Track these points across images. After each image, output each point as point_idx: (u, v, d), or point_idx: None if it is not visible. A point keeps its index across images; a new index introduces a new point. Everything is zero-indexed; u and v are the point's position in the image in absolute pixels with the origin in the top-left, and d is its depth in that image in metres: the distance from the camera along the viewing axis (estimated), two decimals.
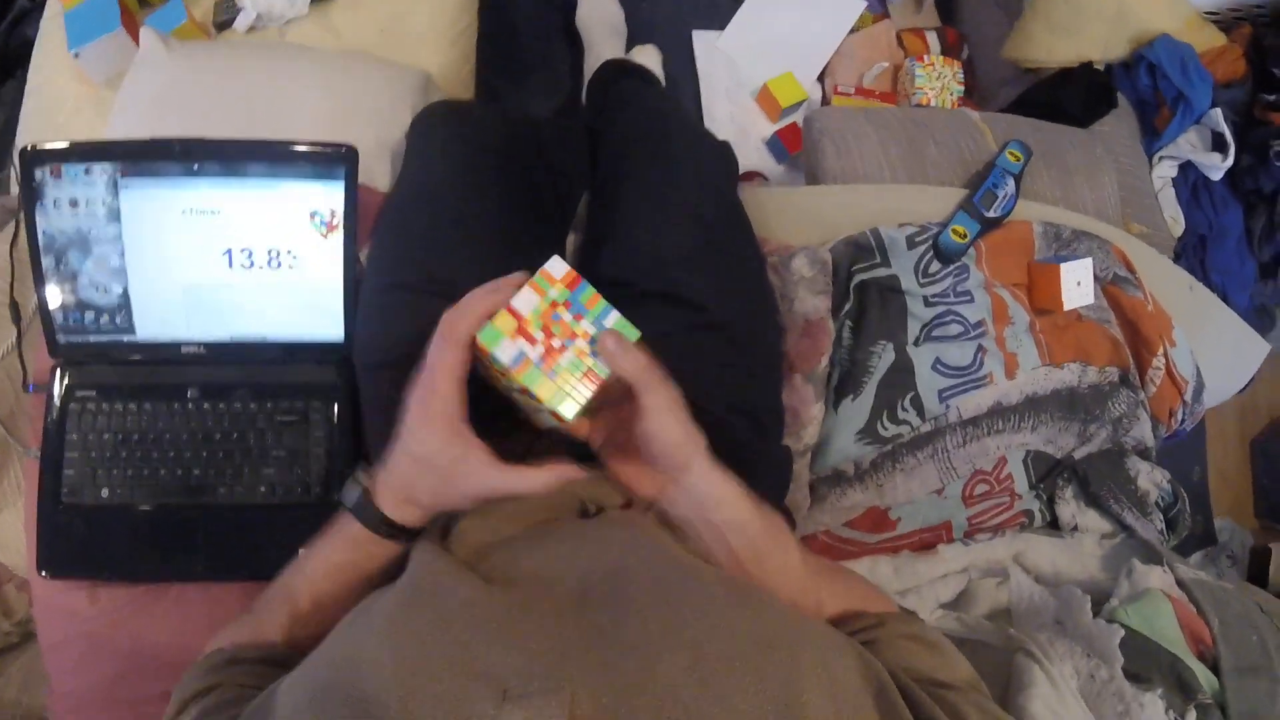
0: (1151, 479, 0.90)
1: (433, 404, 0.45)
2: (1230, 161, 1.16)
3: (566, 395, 0.46)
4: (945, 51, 1.44)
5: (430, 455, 0.46)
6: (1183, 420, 0.98)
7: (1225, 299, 1.08)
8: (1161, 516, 0.90)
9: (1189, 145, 1.18)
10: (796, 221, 0.90)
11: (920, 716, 0.39)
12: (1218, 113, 1.15)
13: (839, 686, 0.37)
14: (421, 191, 0.72)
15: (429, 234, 0.69)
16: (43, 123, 1.00)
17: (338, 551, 0.50)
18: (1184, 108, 1.13)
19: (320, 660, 0.40)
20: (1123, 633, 0.65)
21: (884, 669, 0.40)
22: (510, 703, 0.34)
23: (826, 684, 0.36)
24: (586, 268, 0.79)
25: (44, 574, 0.71)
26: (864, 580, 0.61)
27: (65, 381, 0.73)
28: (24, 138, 1.02)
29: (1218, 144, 1.18)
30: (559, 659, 0.36)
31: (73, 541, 0.71)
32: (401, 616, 0.39)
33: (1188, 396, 0.96)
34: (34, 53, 1.04)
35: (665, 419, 0.45)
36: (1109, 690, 0.61)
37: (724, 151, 0.84)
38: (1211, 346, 1.00)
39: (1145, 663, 0.65)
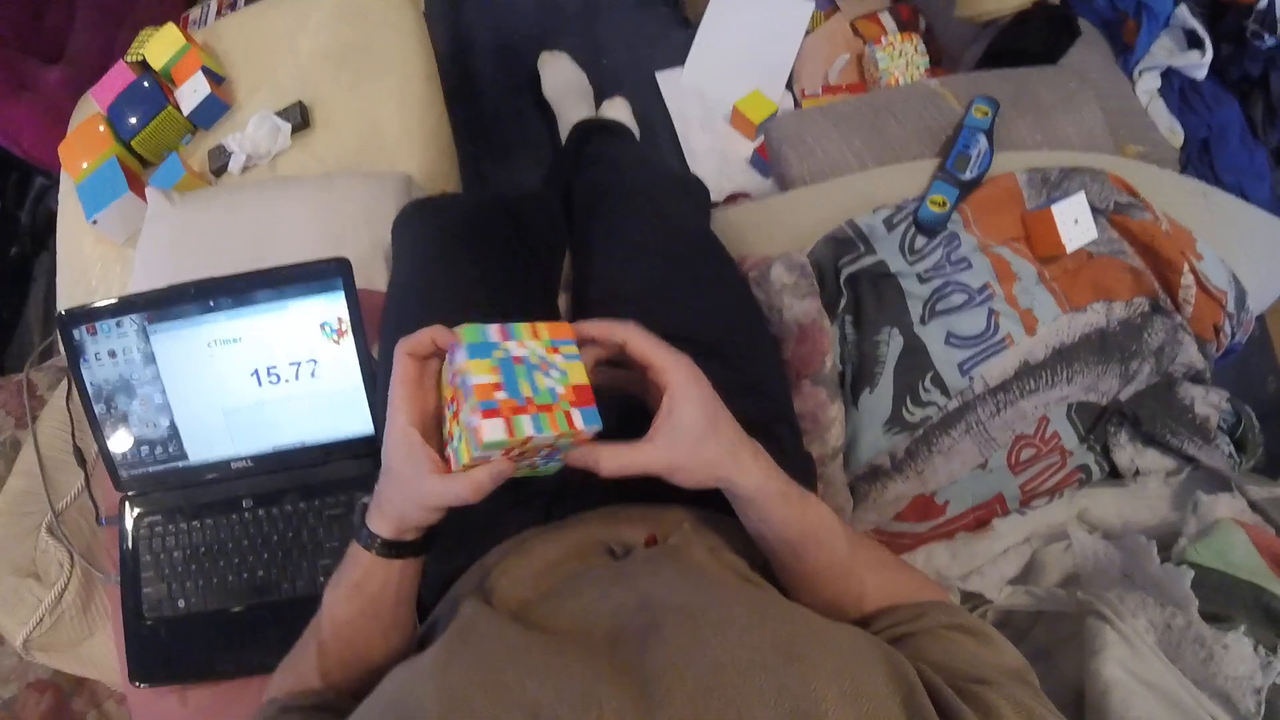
0: (1209, 402, 0.85)
1: (390, 411, 0.46)
2: (1209, 55, 1.10)
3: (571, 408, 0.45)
4: (901, 28, 1.44)
5: (392, 463, 0.47)
6: (1232, 333, 0.92)
7: (1244, 196, 1.02)
8: (1228, 439, 0.84)
9: (1164, 51, 1.13)
10: (774, 233, 0.91)
11: (948, 717, 0.38)
12: (1183, 9, 1.10)
13: (862, 692, 0.37)
14: (409, 289, 0.76)
15: (422, 323, 0.72)
16: (77, 287, 1.10)
17: (344, 573, 0.52)
18: (1147, 15, 1.09)
19: (372, 703, 0.42)
20: (1192, 574, 0.61)
21: (913, 670, 0.40)
22: None
23: (849, 691, 0.37)
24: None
25: (137, 684, 0.77)
26: (920, 576, 0.59)
27: (133, 511, 0.80)
28: (63, 302, 1.12)
29: (1193, 41, 1.13)
30: (590, 685, 0.38)
31: (159, 652, 0.77)
32: (444, 660, 0.42)
33: (1230, 307, 0.90)
34: (57, 225, 1.15)
35: (686, 391, 0.47)
36: (1188, 637, 0.58)
37: (690, 185, 0.87)
38: (1244, 249, 0.94)
39: (1225, 600, 0.61)
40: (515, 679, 0.39)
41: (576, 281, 0.87)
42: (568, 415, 0.45)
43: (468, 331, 0.47)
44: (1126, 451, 0.85)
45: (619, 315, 0.71)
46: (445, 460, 0.46)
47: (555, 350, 0.48)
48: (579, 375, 0.47)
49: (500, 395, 0.44)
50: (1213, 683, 0.59)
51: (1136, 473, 0.84)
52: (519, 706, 0.37)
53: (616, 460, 0.46)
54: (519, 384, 0.45)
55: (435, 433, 0.48)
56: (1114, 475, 0.86)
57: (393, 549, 0.49)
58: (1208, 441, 0.83)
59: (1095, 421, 0.86)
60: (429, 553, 0.52)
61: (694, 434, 0.46)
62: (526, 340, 0.47)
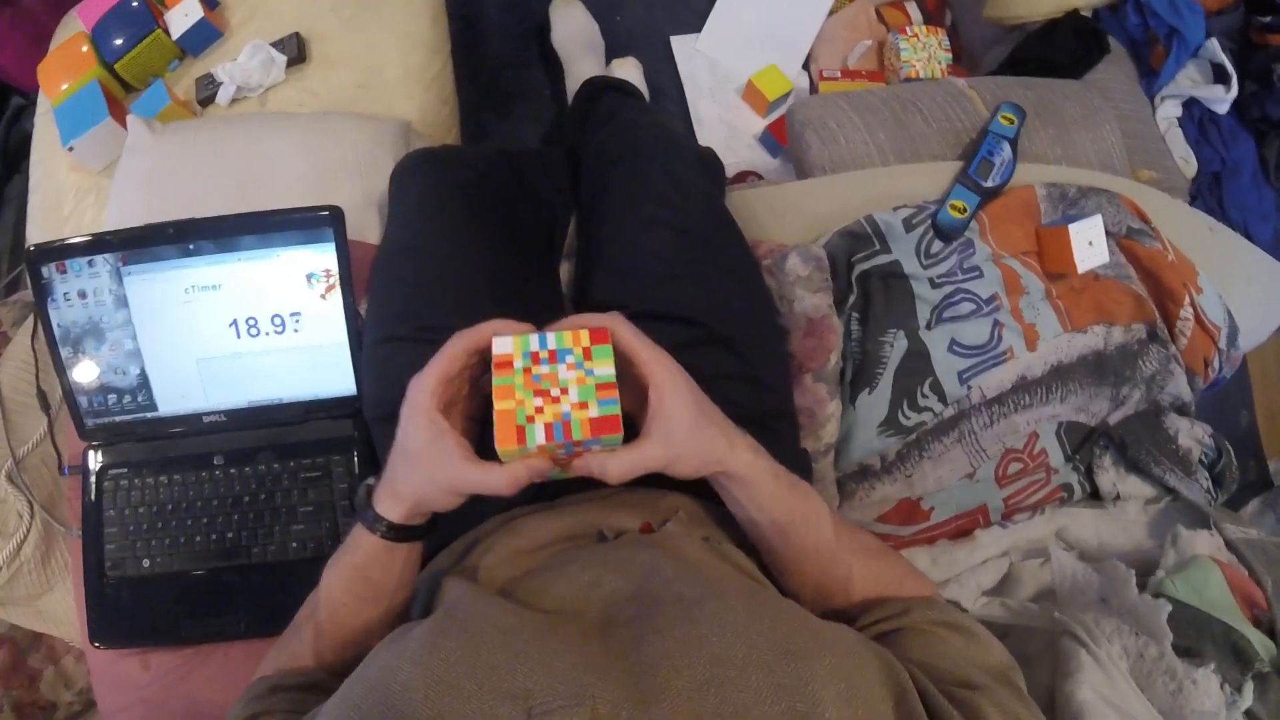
0: (1192, 435, 0.87)
1: (414, 393, 0.46)
2: (1234, 92, 1.12)
3: (595, 400, 0.46)
4: (927, 20, 1.42)
5: (407, 440, 0.46)
6: (1220, 368, 0.94)
7: (1248, 235, 1.04)
8: (1207, 474, 0.86)
9: (1189, 81, 1.14)
10: (789, 219, 0.89)
11: None
12: (1214, 43, 1.11)
13: (857, 694, 0.37)
14: (404, 244, 0.73)
15: (416, 285, 0.69)
16: (49, 216, 1.03)
17: (345, 556, 0.51)
18: (1178, 42, 1.09)
19: (355, 684, 0.41)
20: (1169, 607, 0.62)
21: (905, 673, 0.40)
22: (535, 718, 0.35)
23: (845, 692, 0.37)
24: (580, 295, 0.80)
25: (97, 645, 0.74)
26: (905, 563, 0.60)
27: (98, 462, 0.76)
28: (33, 232, 1.05)
29: (1219, 75, 1.13)
30: (583, 675, 0.37)
31: (120, 612, 0.74)
32: (432, 641, 0.40)
33: (1221, 343, 0.92)
34: (32, 150, 1.08)
35: (676, 398, 0.47)
36: (1160, 668, 0.59)
37: (707, 159, 0.84)
38: (1241, 287, 0.95)
39: (1197, 635, 0.63)
40: (505, 664, 0.38)
41: (581, 251, 0.83)
42: (589, 423, 0.45)
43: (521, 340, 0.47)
44: (1109, 475, 0.86)
45: (626, 292, 0.70)
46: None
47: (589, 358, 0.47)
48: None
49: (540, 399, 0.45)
50: (1179, 714, 0.60)
51: (1117, 497, 0.85)
52: (509, 694, 0.36)
53: (621, 465, 0.45)
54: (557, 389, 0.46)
55: (457, 417, 0.48)
56: (1094, 497, 0.87)
57: (399, 533, 0.48)
58: (1188, 474, 0.85)
59: (1082, 442, 0.87)
60: (432, 536, 0.51)
61: (686, 423, 0.46)
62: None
